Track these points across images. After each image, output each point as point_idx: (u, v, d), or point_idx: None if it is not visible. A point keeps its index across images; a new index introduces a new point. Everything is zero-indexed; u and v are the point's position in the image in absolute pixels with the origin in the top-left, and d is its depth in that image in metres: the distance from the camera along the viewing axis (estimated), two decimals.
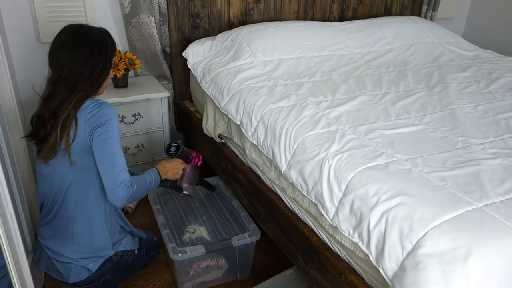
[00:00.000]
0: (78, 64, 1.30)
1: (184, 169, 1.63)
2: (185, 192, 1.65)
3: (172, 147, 1.64)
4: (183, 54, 2.31)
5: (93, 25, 1.42)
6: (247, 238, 1.71)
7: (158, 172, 1.51)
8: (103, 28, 1.43)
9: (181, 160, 1.62)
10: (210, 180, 2.05)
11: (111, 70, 1.43)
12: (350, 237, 1.21)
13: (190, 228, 1.83)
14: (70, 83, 1.30)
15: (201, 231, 1.81)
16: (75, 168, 1.34)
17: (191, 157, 1.66)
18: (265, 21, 2.55)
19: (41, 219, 1.49)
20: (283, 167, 1.50)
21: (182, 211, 1.94)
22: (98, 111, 1.32)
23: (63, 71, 1.30)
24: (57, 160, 1.34)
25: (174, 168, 1.59)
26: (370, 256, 1.13)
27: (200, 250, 1.64)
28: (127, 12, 2.30)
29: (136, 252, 1.56)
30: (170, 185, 1.60)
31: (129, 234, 1.58)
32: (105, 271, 1.46)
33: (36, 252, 1.53)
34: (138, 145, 2.28)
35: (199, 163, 1.70)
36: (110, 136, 1.31)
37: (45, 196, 1.44)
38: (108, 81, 1.44)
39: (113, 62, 1.44)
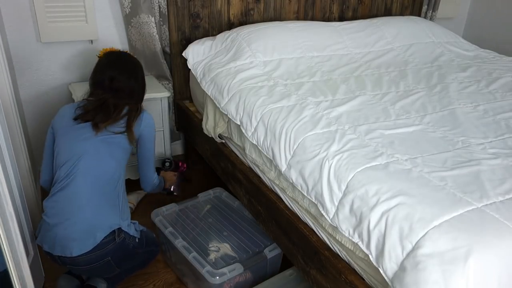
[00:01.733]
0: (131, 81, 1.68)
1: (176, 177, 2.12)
2: (175, 193, 2.15)
3: (166, 163, 2.21)
4: (183, 54, 2.31)
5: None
6: (278, 248, 1.66)
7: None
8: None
9: (173, 173, 2.11)
10: (211, 191, 2.10)
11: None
12: (350, 237, 1.21)
13: (213, 246, 1.73)
14: (128, 93, 1.65)
15: (226, 248, 1.73)
16: (105, 150, 1.53)
17: (179, 167, 2.23)
18: (265, 21, 2.55)
19: (52, 190, 1.51)
20: (283, 167, 1.50)
21: (197, 229, 1.83)
22: (149, 120, 1.69)
23: (119, 85, 1.62)
24: (90, 139, 1.52)
25: (171, 180, 2.09)
26: (370, 256, 1.13)
27: (237, 268, 1.58)
28: (127, 12, 2.30)
29: (137, 240, 1.59)
30: (167, 192, 2.13)
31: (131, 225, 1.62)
32: (107, 251, 1.47)
33: (39, 232, 1.52)
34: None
35: (184, 169, 2.27)
36: (153, 140, 1.74)
37: (62, 167, 1.50)
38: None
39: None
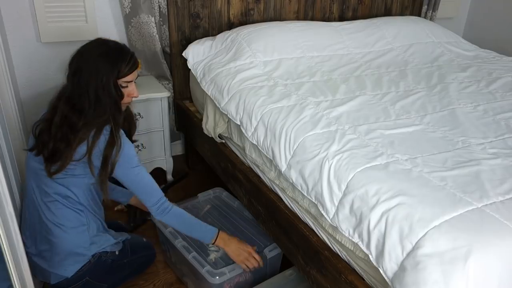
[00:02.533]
0: None
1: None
2: (149, 217, 2.05)
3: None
4: (183, 54, 2.31)
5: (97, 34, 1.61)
6: (278, 248, 1.66)
7: (218, 234, 1.58)
8: None
9: (251, 249, 1.61)
10: (211, 191, 2.06)
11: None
12: (350, 237, 1.21)
13: (212, 246, 1.68)
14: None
15: None
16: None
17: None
18: (265, 21, 2.55)
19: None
20: (283, 167, 1.50)
21: None
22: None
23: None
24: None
25: (239, 249, 1.59)
26: (370, 256, 1.13)
27: (237, 268, 1.57)
28: (127, 12, 2.30)
29: (116, 253, 1.55)
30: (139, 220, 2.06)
31: (107, 234, 1.57)
32: (83, 273, 1.45)
33: None
34: (138, 145, 2.28)
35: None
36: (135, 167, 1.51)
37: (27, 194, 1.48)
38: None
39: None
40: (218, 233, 1.56)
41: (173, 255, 1.80)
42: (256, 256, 1.56)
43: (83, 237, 1.46)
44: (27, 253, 1.43)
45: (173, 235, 1.72)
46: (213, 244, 1.57)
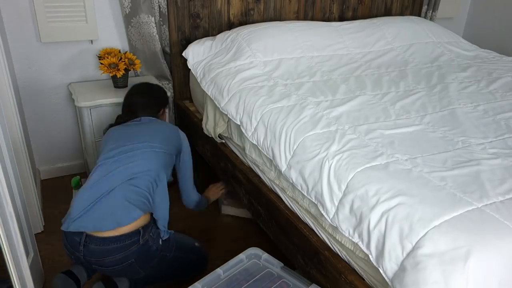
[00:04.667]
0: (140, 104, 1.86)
1: None
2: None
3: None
4: (183, 54, 2.31)
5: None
6: None
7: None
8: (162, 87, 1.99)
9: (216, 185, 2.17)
10: (243, 255, 1.49)
11: (161, 112, 1.94)
12: (350, 237, 1.21)
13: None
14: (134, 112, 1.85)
15: None
16: (150, 148, 1.63)
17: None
18: (265, 21, 2.55)
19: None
20: (283, 167, 1.50)
21: None
22: (186, 138, 1.88)
23: (131, 111, 1.84)
24: (139, 140, 1.64)
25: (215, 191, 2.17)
26: (370, 256, 1.13)
27: None
28: (127, 12, 2.30)
29: (160, 242, 1.57)
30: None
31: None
32: (130, 253, 1.47)
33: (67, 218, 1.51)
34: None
35: None
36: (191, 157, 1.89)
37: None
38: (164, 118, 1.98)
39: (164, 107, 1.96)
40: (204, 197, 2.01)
41: None
42: (218, 185, 2.15)
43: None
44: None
45: None
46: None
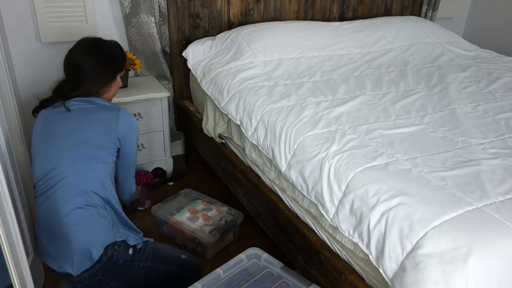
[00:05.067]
0: (85, 70, 1.46)
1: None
2: (140, 208, 2.05)
3: None
4: (183, 54, 2.31)
5: (97, 34, 1.63)
6: None
7: None
8: (116, 42, 1.60)
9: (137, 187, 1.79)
10: (243, 255, 1.47)
11: (115, 81, 1.55)
12: (350, 237, 1.21)
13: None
14: (76, 83, 1.46)
15: None
16: (86, 158, 1.40)
17: (137, 180, 1.92)
18: (265, 21, 2.55)
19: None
20: (283, 167, 1.50)
21: None
22: (131, 122, 1.51)
23: (72, 75, 1.48)
24: (64, 151, 1.39)
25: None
26: (370, 256, 1.13)
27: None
28: (127, 12, 2.30)
29: (130, 252, 1.44)
30: (130, 209, 1.87)
31: (128, 230, 1.49)
32: (95, 271, 1.40)
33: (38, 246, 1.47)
34: (138, 145, 2.28)
35: (149, 180, 2.06)
36: (134, 147, 1.54)
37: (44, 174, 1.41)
38: (116, 89, 1.58)
39: (120, 73, 1.57)
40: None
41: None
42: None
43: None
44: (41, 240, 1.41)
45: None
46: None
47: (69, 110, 1.42)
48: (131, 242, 1.45)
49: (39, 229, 1.44)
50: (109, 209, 1.43)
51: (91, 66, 1.46)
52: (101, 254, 1.39)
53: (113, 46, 1.55)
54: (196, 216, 1.94)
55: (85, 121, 1.42)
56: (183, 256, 1.60)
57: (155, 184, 2.08)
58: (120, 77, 1.58)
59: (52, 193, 1.38)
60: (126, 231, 1.47)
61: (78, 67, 1.46)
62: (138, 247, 1.48)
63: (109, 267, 1.42)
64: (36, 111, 1.49)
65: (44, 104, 1.48)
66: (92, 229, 1.38)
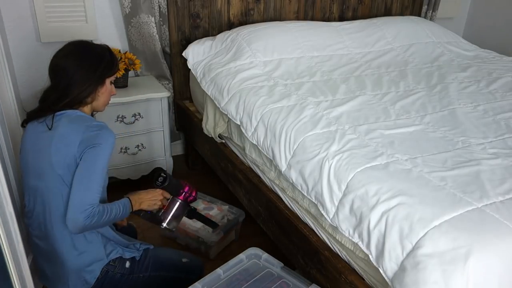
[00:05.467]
0: (69, 73, 1.32)
1: (169, 200, 1.49)
2: (166, 225, 1.46)
3: (160, 177, 1.44)
4: (183, 54, 2.31)
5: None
6: None
7: (131, 202, 1.38)
8: (105, 45, 1.43)
9: (161, 191, 1.45)
10: (243, 255, 1.46)
11: (104, 85, 1.38)
12: (350, 237, 1.21)
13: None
14: (62, 90, 1.32)
15: None
16: (60, 181, 1.28)
17: (182, 191, 1.48)
18: (265, 21, 2.55)
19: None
20: (283, 167, 1.50)
21: None
22: (98, 132, 1.29)
23: (56, 80, 1.33)
24: (45, 175, 1.30)
25: (150, 200, 1.43)
26: (370, 256, 1.13)
27: None
28: (127, 12, 2.30)
29: (127, 265, 1.38)
30: (145, 215, 1.45)
31: (119, 247, 1.41)
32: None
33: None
34: (138, 145, 2.28)
35: (190, 198, 1.52)
36: (98, 159, 1.26)
37: (33, 211, 1.35)
38: (106, 97, 1.42)
39: (109, 77, 1.40)
40: (130, 201, 1.38)
41: None
42: (160, 193, 1.45)
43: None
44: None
45: None
46: (131, 212, 1.38)
47: (50, 129, 1.29)
48: (128, 256, 1.39)
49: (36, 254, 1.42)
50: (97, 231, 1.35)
51: (75, 69, 1.31)
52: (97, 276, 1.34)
53: (100, 48, 1.40)
54: None
55: (58, 141, 1.28)
56: (184, 260, 1.52)
57: (193, 211, 1.56)
58: (111, 82, 1.42)
59: (41, 219, 1.33)
60: (120, 249, 1.39)
61: (62, 70, 1.31)
62: (137, 258, 1.41)
63: (105, 283, 1.37)
64: (24, 124, 1.38)
65: (30, 117, 1.36)
66: (83, 253, 1.33)
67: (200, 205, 2.02)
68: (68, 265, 1.32)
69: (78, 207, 1.22)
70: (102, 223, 1.27)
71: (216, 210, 1.99)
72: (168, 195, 1.47)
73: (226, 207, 2.02)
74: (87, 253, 1.33)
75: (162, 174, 1.43)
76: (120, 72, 2.18)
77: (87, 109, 1.38)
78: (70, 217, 1.22)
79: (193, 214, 1.55)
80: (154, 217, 1.45)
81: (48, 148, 1.27)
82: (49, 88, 1.36)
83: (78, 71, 1.31)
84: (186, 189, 1.49)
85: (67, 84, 1.31)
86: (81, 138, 1.26)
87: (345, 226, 1.22)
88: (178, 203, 1.47)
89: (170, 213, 1.46)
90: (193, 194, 1.52)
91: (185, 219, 1.58)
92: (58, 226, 1.30)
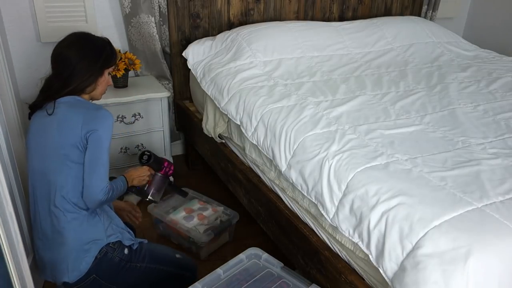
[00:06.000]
0: (72, 63, 1.40)
1: (152, 176, 1.65)
2: (150, 197, 1.65)
3: (144, 156, 1.65)
4: (183, 54, 2.31)
5: (97, 33, 1.54)
6: None
7: (126, 179, 1.53)
8: (106, 38, 1.53)
9: (147, 168, 1.62)
10: (243, 255, 1.49)
11: (103, 76, 1.47)
12: (350, 237, 1.21)
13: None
14: (64, 79, 1.40)
15: None
16: (64, 160, 1.36)
17: (162, 166, 1.68)
18: (265, 21, 2.55)
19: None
20: (283, 167, 1.50)
21: None
22: (97, 112, 1.39)
23: (59, 69, 1.41)
24: (50, 156, 1.37)
25: (139, 176, 1.60)
26: (370, 256, 1.13)
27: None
28: (127, 12, 2.30)
29: (126, 251, 1.43)
30: (136, 191, 1.62)
31: (119, 232, 1.47)
32: (90, 269, 1.39)
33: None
34: (138, 145, 2.28)
35: (170, 172, 1.72)
36: (102, 142, 1.37)
37: (36, 192, 1.41)
38: (103, 87, 1.50)
39: (108, 68, 1.49)
40: (125, 178, 1.53)
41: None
42: (147, 169, 1.62)
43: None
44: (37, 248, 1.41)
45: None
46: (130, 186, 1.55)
47: (50, 114, 1.38)
48: (127, 243, 1.44)
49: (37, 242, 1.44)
50: (100, 211, 1.43)
51: (77, 60, 1.38)
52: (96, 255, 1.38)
53: (101, 40, 1.49)
54: (192, 216, 1.94)
55: (61, 123, 1.37)
56: (177, 256, 1.59)
57: (171, 182, 1.75)
58: (109, 74, 1.51)
59: (44, 201, 1.38)
60: (119, 234, 1.45)
61: (65, 59, 1.39)
62: (134, 247, 1.46)
63: (104, 265, 1.40)
64: (30, 116, 1.46)
65: (33, 108, 1.44)
66: (85, 232, 1.38)
67: (195, 205, 2.02)
68: (69, 243, 1.36)
69: (95, 187, 1.36)
70: (111, 198, 1.41)
71: (210, 211, 1.99)
72: (153, 171, 1.64)
73: (221, 208, 2.02)
74: (89, 232, 1.38)
75: (146, 153, 1.66)
76: (120, 72, 2.18)
77: (86, 97, 1.46)
78: (90, 196, 1.36)
79: (171, 186, 1.79)
80: (141, 191, 1.64)
81: (52, 131, 1.36)
82: (51, 77, 1.44)
83: (81, 62, 1.39)
84: (166, 164, 1.69)
85: (70, 73, 1.39)
86: (83, 119, 1.36)
87: (345, 226, 1.23)
88: (159, 177, 1.67)
89: (153, 186, 1.66)
90: (171, 168, 1.74)
91: (177, 218, 1.82)
92: (61, 203, 1.36)
